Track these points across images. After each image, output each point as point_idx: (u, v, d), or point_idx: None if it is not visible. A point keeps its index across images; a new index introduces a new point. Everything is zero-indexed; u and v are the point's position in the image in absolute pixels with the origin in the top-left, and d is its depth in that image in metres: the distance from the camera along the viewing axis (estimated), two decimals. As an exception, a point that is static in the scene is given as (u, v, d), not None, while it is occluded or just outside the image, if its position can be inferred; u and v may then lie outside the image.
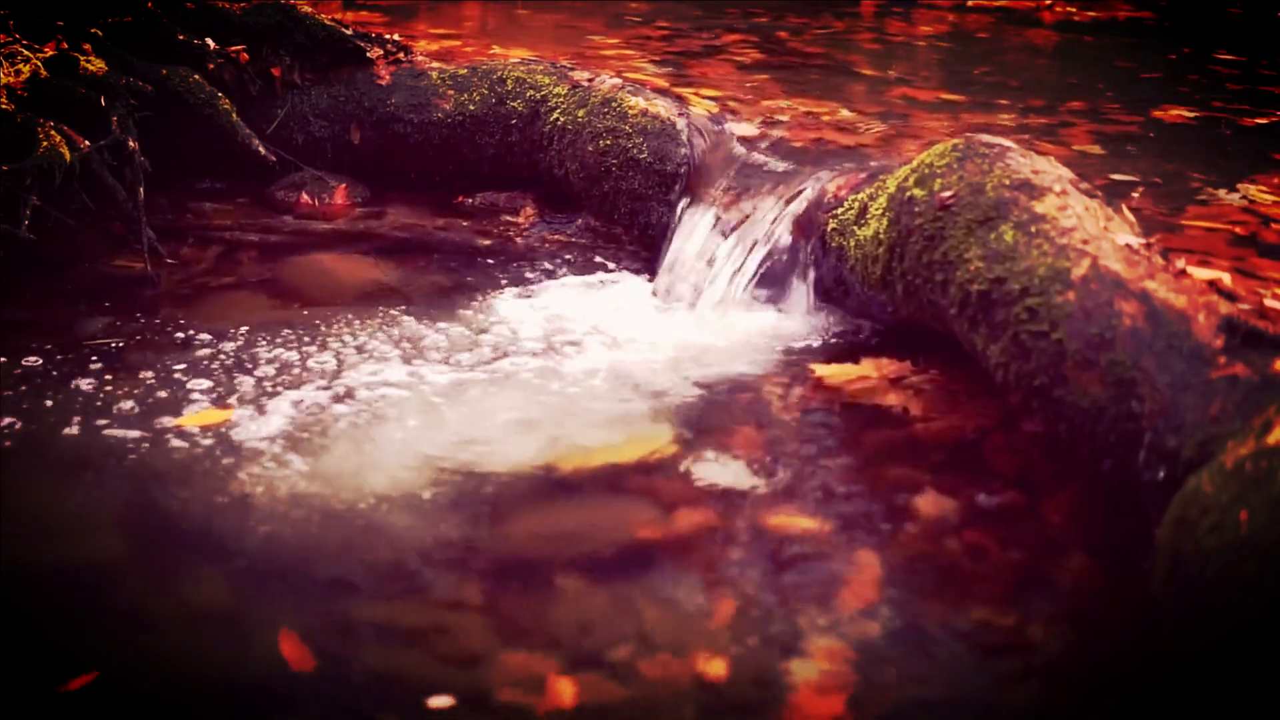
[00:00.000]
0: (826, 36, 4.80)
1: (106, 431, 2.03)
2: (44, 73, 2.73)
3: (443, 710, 1.45)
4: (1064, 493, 1.89)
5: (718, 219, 2.71)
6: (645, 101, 2.95)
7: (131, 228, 2.74)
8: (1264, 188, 2.79)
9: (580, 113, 3.00)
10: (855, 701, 1.48)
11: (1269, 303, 1.94)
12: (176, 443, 2.00)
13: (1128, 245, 1.86)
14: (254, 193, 3.19)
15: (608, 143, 2.92)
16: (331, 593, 1.67)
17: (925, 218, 2.09)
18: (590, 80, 3.09)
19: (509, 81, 3.15)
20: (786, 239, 2.57)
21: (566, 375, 2.29)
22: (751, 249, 2.61)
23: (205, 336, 2.40)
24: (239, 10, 3.17)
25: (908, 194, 2.16)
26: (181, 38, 3.05)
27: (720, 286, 2.61)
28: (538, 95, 3.11)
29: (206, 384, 2.20)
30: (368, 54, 3.25)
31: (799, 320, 2.53)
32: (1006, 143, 2.16)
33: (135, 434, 2.02)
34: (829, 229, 2.46)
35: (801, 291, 2.54)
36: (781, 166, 2.74)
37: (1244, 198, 2.71)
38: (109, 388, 2.17)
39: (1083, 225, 1.91)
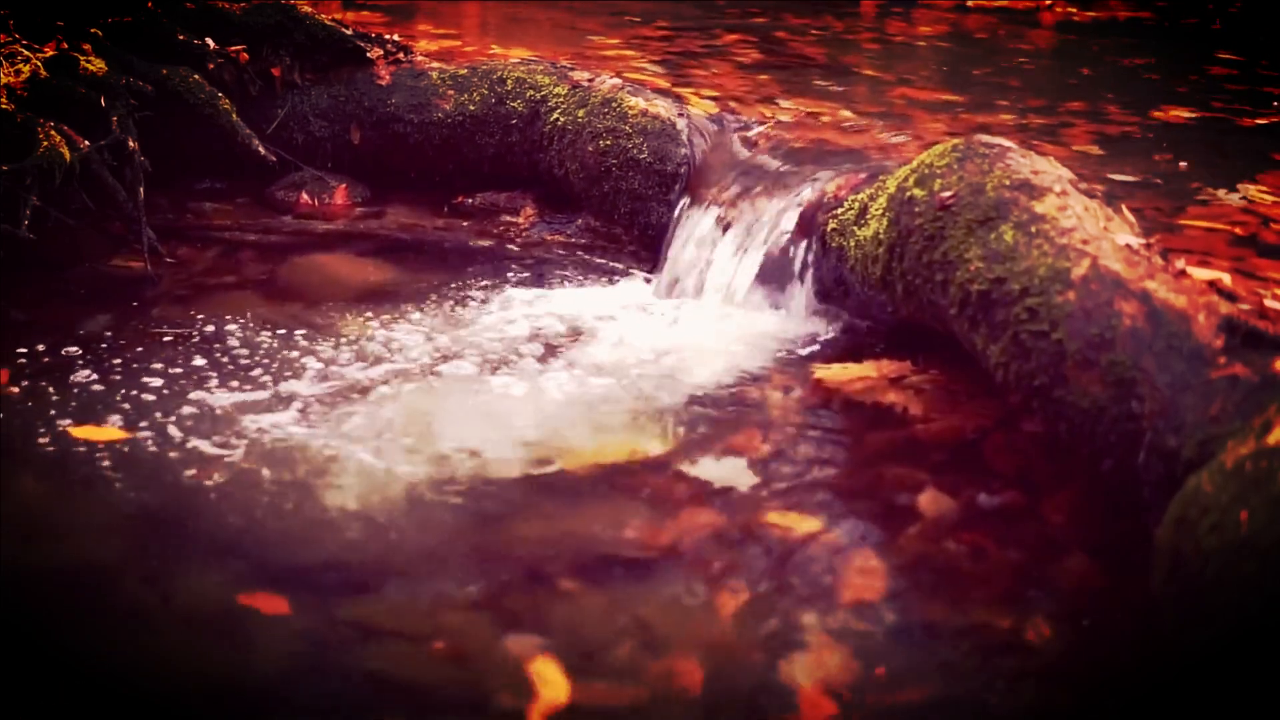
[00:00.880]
0: (826, 37, 4.80)
1: (105, 429, 2.03)
2: (44, 73, 2.73)
3: (441, 710, 1.46)
4: (1064, 493, 1.89)
5: (718, 219, 2.71)
6: (645, 102, 2.95)
7: (131, 228, 2.74)
8: (1264, 188, 2.79)
9: (580, 113, 3.00)
10: (855, 701, 1.48)
11: (1269, 303, 1.94)
12: (176, 442, 2.00)
13: (1128, 245, 1.86)
14: (254, 193, 3.19)
15: (608, 143, 2.92)
16: (330, 591, 1.67)
17: (925, 218, 2.09)
18: (590, 80, 3.09)
19: (509, 81, 3.15)
20: (786, 239, 2.57)
21: (566, 375, 2.29)
22: (751, 249, 2.61)
23: (205, 336, 2.40)
24: (239, 10, 3.17)
25: (908, 194, 2.16)
26: (181, 38, 3.05)
27: (720, 286, 2.61)
28: (538, 95, 3.11)
29: (206, 384, 2.20)
30: (368, 54, 3.25)
31: (799, 320, 2.53)
32: (1006, 143, 2.16)
33: (135, 433, 2.02)
34: (829, 229, 2.46)
35: (801, 291, 2.54)
36: (781, 167, 2.74)
37: (1244, 198, 2.71)
38: (109, 387, 2.17)
39: (1083, 225, 1.91)
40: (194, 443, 2.00)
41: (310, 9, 3.27)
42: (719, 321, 2.55)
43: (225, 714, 1.46)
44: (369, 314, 2.54)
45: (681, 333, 2.51)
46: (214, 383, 2.20)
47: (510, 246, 2.98)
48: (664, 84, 3.32)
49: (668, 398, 2.22)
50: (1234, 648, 1.27)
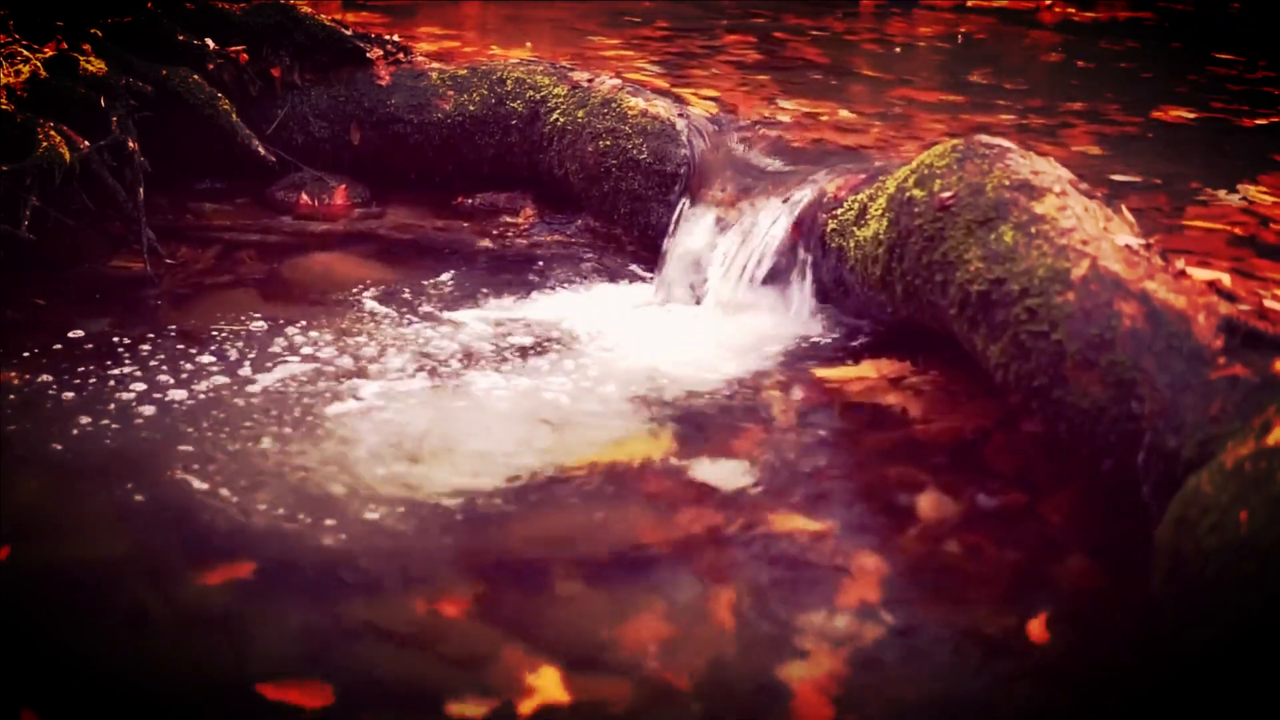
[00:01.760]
0: (826, 37, 4.80)
1: (105, 430, 2.03)
2: (44, 73, 2.73)
3: (442, 711, 1.46)
4: (1064, 493, 1.89)
5: (717, 219, 2.71)
6: (645, 102, 2.95)
7: (131, 228, 2.74)
8: (1264, 188, 2.79)
9: (580, 113, 3.00)
10: (855, 701, 1.48)
11: (1269, 303, 1.94)
12: (175, 441, 2.00)
13: (1127, 246, 1.86)
14: (254, 193, 3.19)
15: (607, 143, 2.92)
16: (330, 591, 1.67)
17: (925, 218, 2.09)
18: (590, 81, 3.09)
19: (509, 82, 3.15)
20: (786, 240, 2.57)
21: (565, 376, 2.29)
22: (751, 250, 2.61)
23: (204, 336, 2.40)
24: (239, 10, 3.17)
25: (907, 194, 2.16)
26: (181, 38, 3.05)
27: (720, 287, 2.61)
28: (537, 96, 3.11)
29: (205, 383, 2.20)
30: (368, 54, 3.25)
31: (799, 321, 2.53)
32: (1006, 143, 2.16)
33: (135, 433, 2.02)
34: (829, 229, 2.46)
35: (801, 292, 2.54)
36: (781, 167, 2.74)
37: (1244, 198, 2.71)
38: (109, 387, 2.17)
39: (1082, 226, 1.91)
40: (193, 442, 2.00)
41: (310, 9, 3.27)
42: (719, 322, 2.55)
43: (225, 714, 1.46)
44: (369, 314, 2.54)
45: (681, 333, 2.51)
46: (213, 383, 2.20)
47: (510, 247, 2.98)
48: (664, 84, 3.32)
49: (667, 398, 2.22)
50: (1234, 648, 1.27)
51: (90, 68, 2.80)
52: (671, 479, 1.96)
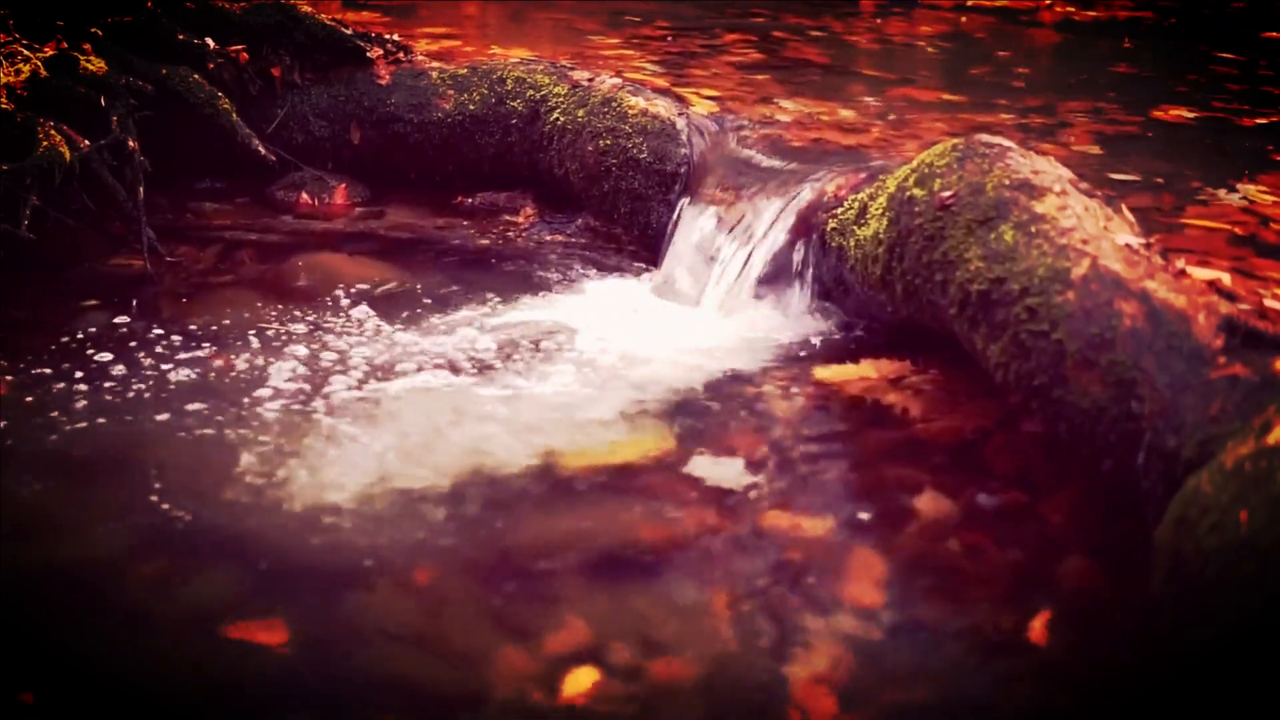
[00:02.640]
0: (826, 36, 4.80)
1: (105, 429, 2.03)
2: (44, 72, 2.73)
3: (442, 709, 1.46)
4: (1064, 493, 1.89)
5: (718, 219, 2.71)
6: (645, 101, 2.95)
7: (131, 227, 2.74)
8: (1264, 188, 2.78)
9: (580, 113, 3.00)
10: (855, 702, 1.48)
11: (1269, 303, 1.94)
12: (175, 440, 2.00)
13: (1127, 245, 1.86)
14: (254, 192, 3.19)
15: (608, 143, 2.92)
16: (333, 590, 1.67)
17: (925, 218, 2.09)
18: (590, 80, 3.09)
19: (509, 81, 3.15)
20: (786, 239, 2.57)
21: (566, 375, 2.29)
22: (751, 249, 2.60)
23: (204, 335, 2.40)
24: (239, 10, 3.16)
25: (908, 194, 2.16)
26: (181, 37, 3.05)
27: (720, 286, 2.61)
28: (538, 95, 3.11)
29: (206, 384, 2.20)
30: (368, 54, 3.25)
31: (799, 320, 2.52)
32: (1006, 143, 2.15)
33: (134, 433, 2.02)
34: (829, 229, 2.46)
35: (801, 291, 2.54)
36: (781, 166, 2.74)
37: (1244, 198, 2.71)
38: (108, 386, 2.17)
39: (1082, 225, 1.91)
40: (194, 441, 2.00)
41: (310, 9, 3.27)
42: (719, 321, 2.55)
43: (225, 714, 1.46)
44: (369, 314, 2.53)
45: (681, 332, 2.51)
46: (213, 382, 2.20)
47: (510, 246, 2.98)
48: (664, 84, 3.32)
49: (668, 398, 2.22)
50: (1234, 648, 1.27)
51: (90, 67, 2.80)
52: (671, 478, 1.95)
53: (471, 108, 3.15)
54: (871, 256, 2.27)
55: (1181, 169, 2.93)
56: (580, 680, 1.50)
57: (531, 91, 3.12)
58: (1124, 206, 2.06)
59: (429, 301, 2.62)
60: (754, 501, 1.90)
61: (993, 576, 1.72)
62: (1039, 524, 1.84)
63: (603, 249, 2.95)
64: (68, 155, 2.60)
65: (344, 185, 3.22)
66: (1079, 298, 1.78)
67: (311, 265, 2.81)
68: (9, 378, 2.18)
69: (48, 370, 2.22)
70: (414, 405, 2.16)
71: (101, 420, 2.06)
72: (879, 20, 5.45)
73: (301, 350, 2.35)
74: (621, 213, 2.94)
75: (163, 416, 2.08)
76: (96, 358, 2.28)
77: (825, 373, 2.28)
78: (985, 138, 2.17)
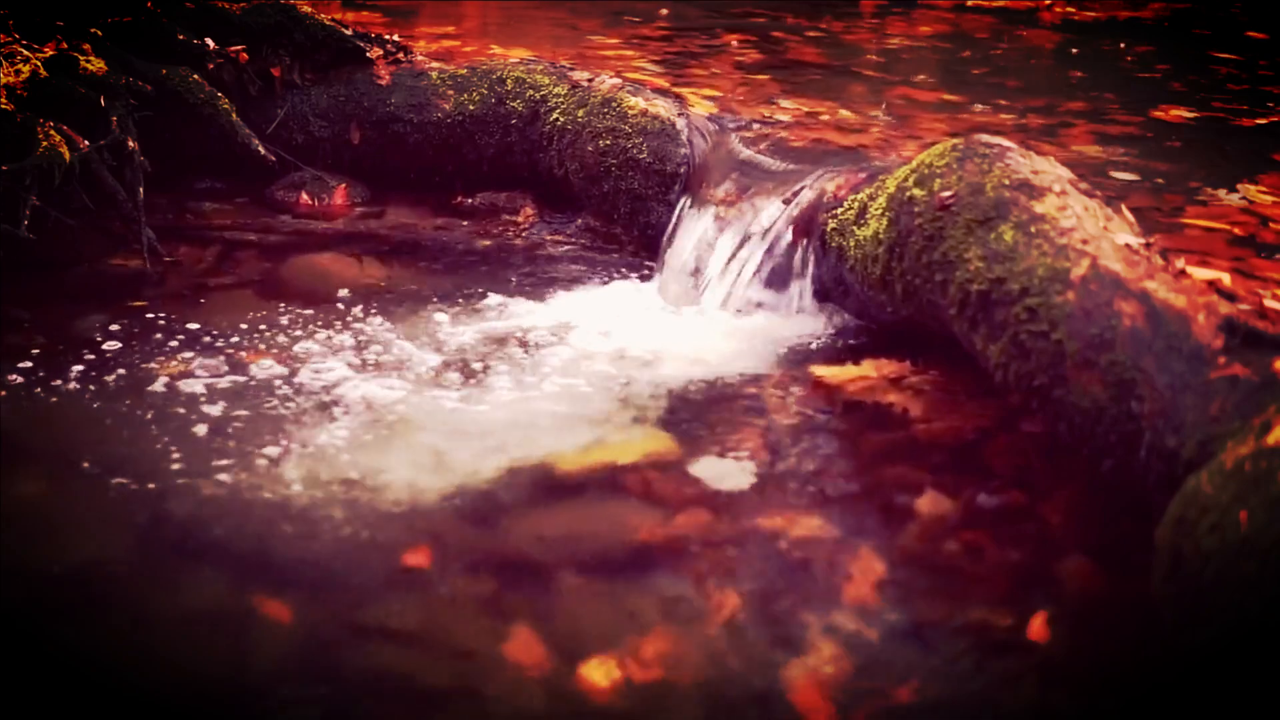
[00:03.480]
0: (826, 36, 4.80)
1: (106, 429, 2.03)
2: (44, 73, 2.72)
3: (442, 709, 1.46)
4: (1064, 493, 1.89)
5: (718, 219, 2.71)
6: (645, 101, 2.95)
7: (131, 227, 2.74)
8: (1264, 188, 2.79)
9: (580, 113, 3.00)
10: (855, 701, 1.48)
11: (1269, 303, 1.94)
12: (176, 439, 2.00)
13: (1127, 245, 1.86)
14: (254, 193, 3.19)
15: (607, 143, 2.92)
16: (330, 591, 1.67)
17: (925, 218, 2.09)
18: (590, 80, 3.09)
19: (509, 81, 3.15)
20: (786, 239, 2.57)
21: (566, 375, 2.29)
22: (751, 249, 2.60)
23: (204, 336, 2.40)
24: (239, 10, 3.16)
25: (907, 194, 2.16)
26: (181, 38, 3.05)
27: (720, 286, 2.61)
28: (537, 95, 3.11)
29: (205, 383, 2.20)
30: (367, 54, 3.25)
31: (799, 320, 2.53)
32: (1006, 143, 2.15)
33: (135, 432, 2.02)
34: (829, 229, 2.46)
35: (801, 291, 2.54)
36: (781, 166, 2.74)
37: (1244, 198, 2.71)
38: (109, 386, 2.17)
39: (1082, 225, 1.91)
40: (194, 440, 2.00)
41: (310, 9, 3.27)
42: (718, 321, 2.55)
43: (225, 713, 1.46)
44: (369, 314, 2.53)
45: (681, 333, 2.51)
46: (213, 382, 2.20)
47: (510, 246, 2.98)
48: (664, 84, 3.32)
49: (667, 398, 2.22)
50: (1234, 648, 1.27)
51: (90, 67, 2.80)
52: (672, 478, 1.95)
53: (471, 108, 3.15)
54: (871, 257, 2.27)
55: (1181, 169, 2.93)
56: (580, 680, 1.50)
57: (531, 92, 3.12)
58: (1124, 206, 2.06)
59: (429, 301, 2.62)
60: (754, 501, 1.90)
61: (993, 576, 1.72)
62: (1039, 524, 1.84)
63: (603, 249, 2.95)
64: (67, 155, 2.60)
65: (344, 185, 3.22)
66: (1079, 298, 1.78)
67: (311, 265, 2.81)
68: (9, 377, 2.18)
69: (47, 369, 2.22)
70: (414, 405, 2.16)
71: (101, 420, 2.06)
72: (879, 20, 5.45)
73: (301, 350, 2.35)
74: (621, 213, 2.94)
75: (163, 416, 2.08)
76: (96, 358, 2.28)
77: (825, 373, 2.28)
78: (985, 138, 2.17)
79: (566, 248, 2.97)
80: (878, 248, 2.24)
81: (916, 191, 2.14)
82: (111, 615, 1.62)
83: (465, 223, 3.11)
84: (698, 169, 2.85)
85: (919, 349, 2.30)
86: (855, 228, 2.35)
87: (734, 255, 2.63)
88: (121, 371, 2.23)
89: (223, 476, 1.91)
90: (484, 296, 2.66)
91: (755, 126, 2.96)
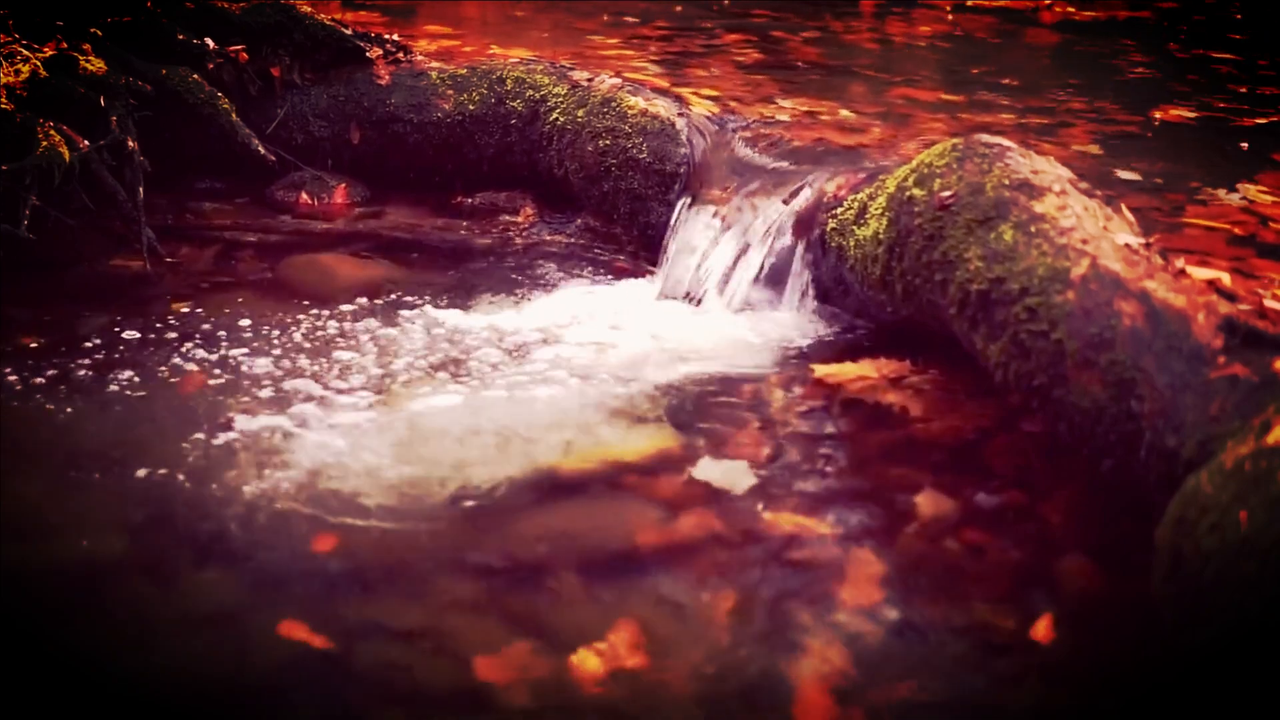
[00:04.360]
0: (826, 36, 4.80)
1: (106, 429, 2.03)
2: (44, 72, 2.72)
3: (442, 709, 1.46)
4: (1064, 493, 1.89)
5: (717, 219, 2.71)
6: (645, 101, 2.95)
7: (131, 227, 2.74)
8: (1264, 188, 2.79)
9: (580, 113, 3.00)
10: (855, 701, 1.48)
11: (1269, 303, 1.94)
12: (176, 439, 2.00)
13: (1127, 245, 1.86)
14: (253, 193, 3.19)
15: (607, 143, 2.92)
16: (333, 589, 1.67)
17: (925, 217, 2.09)
18: (590, 80, 3.09)
19: (508, 81, 3.15)
20: (786, 239, 2.57)
21: (565, 375, 2.29)
22: (751, 249, 2.60)
23: (204, 336, 2.40)
24: (239, 10, 3.16)
25: (907, 194, 2.16)
26: (181, 37, 3.05)
27: (720, 286, 2.61)
28: (537, 95, 3.11)
29: (205, 383, 2.20)
30: (367, 54, 3.25)
31: (798, 320, 2.53)
32: (1006, 143, 2.15)
33: (135, 432, 2.02)
34: (828, 229, 2.46)
35: (801, 291, 2.54)
36: (781, 166, 2.74)
37: (1244, 198, 2.71)
38: (109, 385, 2.17)
39: (1082, 225, 1.91)
40: (195, 440, 2.00)
41: (310, 9, 3.27)
42: (718, 321, 2.55)
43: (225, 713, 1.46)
44: (369, 314, 2.53)
45: (680, 333, 2.51)
46: (213, 382, 2.20)
47: (509, 246, 2.98)
48: (664, 84, 3.32)
49: (666, 398, 2.22)
50: (1234, 648, 1.27)
51: (90, 67, 2.80)
52: (672, 478, 1.95)
53: (471, 108, 3.15)
54: (871, 256, 2.27)
55: (1181, 169, 2.93)
56: (580, 680, 1.50)
57: (531, 91, 3.12)
58: (1124, 206, 2.06)
59: (429, 301, 2.62)
60: (753, 501, 1.90)
61: (993, 576, 1.72)
62: (1039, 524, 1.84)
63: (602, 249, 2.95)
64: (67, 155, 2.60)
65: (343, 185, 3.22)
66: (1079, 297, 1.78)
67: (311, 265, 2.81)
68: (9, 377, 2.18)
69: (47, 370, 2.22)
70: (414, 405, 2.16)
71: (101, 420, 2.06)
72: (879, 20, 5.45)
73: (301, 350, 2.35)
74: (621, 213, 2.94)
75: (163, 416, 2.08)
76: (96, 358, 2.28)
77: (825, 372, 2.28)
78: (985, 138, 2.17)
79: (566, 248, 2.97)
80: (877, 247, 2.24)
81: (916, 191, 2.14)
82: (111, 615, 1.62)
83: (465, 222, 3.11)
84: (697, 169, 2.85)
85: (919, 349, 2.30)
86: (855, 227, 2.35)
87: (733, 255, 2.63)
88: (121, 372, 2.23)
89: (223, 476, 1.91)
90: (483, 296, 2.66)
91: (755, 126, 2.96)
